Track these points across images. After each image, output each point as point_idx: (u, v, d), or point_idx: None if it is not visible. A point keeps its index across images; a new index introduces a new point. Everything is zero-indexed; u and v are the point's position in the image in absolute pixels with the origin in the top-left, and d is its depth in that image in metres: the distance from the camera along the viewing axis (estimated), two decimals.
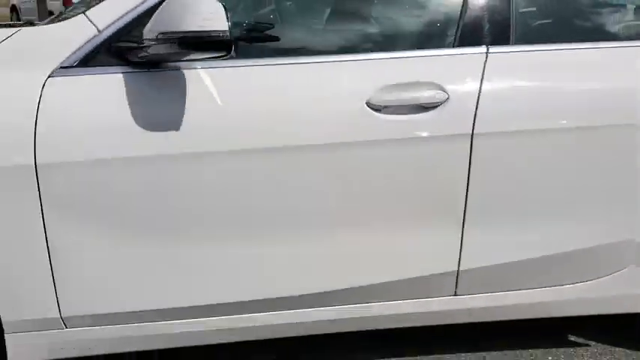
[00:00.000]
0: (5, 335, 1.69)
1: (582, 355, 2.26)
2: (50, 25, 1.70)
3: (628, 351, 2.29)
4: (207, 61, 1.65)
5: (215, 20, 1.45)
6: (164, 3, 1.53)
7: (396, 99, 1.75)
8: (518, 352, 2.26)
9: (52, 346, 1.74)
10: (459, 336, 2.30)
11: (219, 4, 1.47)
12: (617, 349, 2.31)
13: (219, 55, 1.52)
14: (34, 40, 1.66)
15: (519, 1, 1.92)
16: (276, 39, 1.79)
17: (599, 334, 2.40)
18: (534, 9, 1.99)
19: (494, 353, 2.24)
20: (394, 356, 2.19)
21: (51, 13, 12.97)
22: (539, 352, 2.27)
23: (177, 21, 1.47)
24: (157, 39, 1.52)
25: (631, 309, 2.13)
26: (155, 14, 1.54)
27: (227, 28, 1.46)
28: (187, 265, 1.72)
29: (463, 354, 2.23)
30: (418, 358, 2.19)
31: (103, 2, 1.69)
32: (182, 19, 1.47)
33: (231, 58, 1.59)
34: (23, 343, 1.71)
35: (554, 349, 2.29)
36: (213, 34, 1.45)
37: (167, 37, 1.50)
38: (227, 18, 1.46)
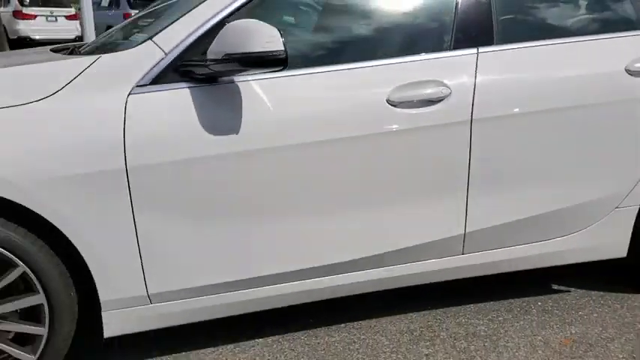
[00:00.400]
0: (102, 312, 2.02)
1: (566, 299, 2.70)
2: (124, 52, 2.01)
3: (601, 292, 2.75)
4: (258, 74, 2.01)
5: (274, 42, 1.82)
6: (224, 28, 1.89)
7: (408, 96, 2.15)
8: (511, 300, 2.69)
9: (140, 320, 2.07)
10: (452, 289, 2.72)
11: (276, 29, 1.83)
12: (593, 292, 2.77)
13: (277, 69, 1.89)
14: (113, 65, 1.98)
15: (499, 10, 2.35)
16: (312, 52, 2.15)
17: (577, 282, 2.85)
18: (511, 15, 2.41)
19: (491, 303, 2.66)
20: (407, 310, 2.59)
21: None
22: (530, 299, 2.70)
23: (242, 44, 1.83)
24: (222, 59, 1.87)
25: (602, 256, 2.59)
26: (218, 38, 1.89)
27: (284, 48, 1.83)
28: (254, 241, 2.08)
29: (454, 307, 2.65)
30: (425, 311, 2.59)
31: (167, 29, 2.03)
32: (246, 42, 1.82)
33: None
34: (117, 318, 2.04)
35: (542, 296, 2.73)
36: (275, 54, 1.82)
37: (232, 57, 1.85)
38: (282, 40, 1.83)
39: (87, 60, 1.98)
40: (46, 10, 17.29)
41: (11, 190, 1.81)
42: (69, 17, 17.60)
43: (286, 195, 2.07)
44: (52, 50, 2.68)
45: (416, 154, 2.19)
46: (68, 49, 2.68)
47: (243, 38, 1.83)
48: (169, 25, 2.04)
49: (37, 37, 16.73)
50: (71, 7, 18.25)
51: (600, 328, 2.46)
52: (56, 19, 17.47)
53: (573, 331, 2.44)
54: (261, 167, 2.02)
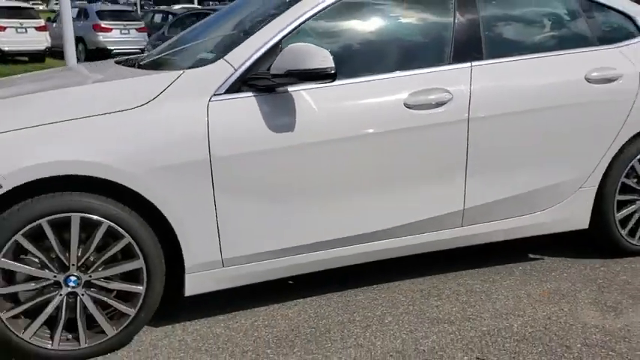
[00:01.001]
0: (185, 275, 2.54)
1: (541, 264, 3.33)
2: (203, 68, 2.53)
3: (569, 258, 3.39)
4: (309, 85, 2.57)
5: (327, 61, 2.38)
6: (286, 50, 2.45)
7: (420, 100, 2.74)
8: (497, 266, 3.30)
9: (214, 281, 2.60)
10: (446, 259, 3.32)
11: (327, 51, 2.40)
12: (562, 258, 3.40)
13: (328, 82, 2.46)
14: (195, 79, 2.50)
15: (486, 31, 2.97)
16: (346, 67, 2.71)
17: (549, 251, 3.49)
18: (496, 35, 3.03)
19: (482, 268, 3.27)
20: (416, 275, 3.17)
21: None
22: (512, 265, 3.32)
23: (301, 62, 2.39)
24: (284, 74, 2.43)
25: (569, 227, 3.23)
26: (280, 57, 2.45)
27: (334, 66, 2.40)
28: (307, 214, 2.63)
29: (452, 272, 3.24)
30: (431, 276, 3.18)
31: (234, 50, 2.57)
32: (305, 61, 2.38)
33: None
34: (196, 279, 2.56)
35: (521, 263, 3.35)
36: (327, 70, 2.38)
37: (293, 73, 2.41)
38: (332, 59, 2.40)
39: (174, 74, 2.51)
40: (16, 22, 17.51)
41: (123, 177, 2.32)
42: (39, 29, 17.88)
43: (330, 178, 2.64)
44: (116, 62, 3.20)
45: (427, 145, 2.78)
46: (131, 61, 3.19)
47: (302, 58, 2.40)
48: (236, 46, 2.59)
49: (7, 49, 17.06)
50: (40, 18, 18.54)
51: (570, 284, 3.09)
52: (26, 31, 17.72)
53: (549, 287, 3.06)
54: (312, 157, 2.58)
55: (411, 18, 2.93)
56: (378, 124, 2.68)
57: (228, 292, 2.72)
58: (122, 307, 2.46)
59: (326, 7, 2.73)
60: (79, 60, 17.31)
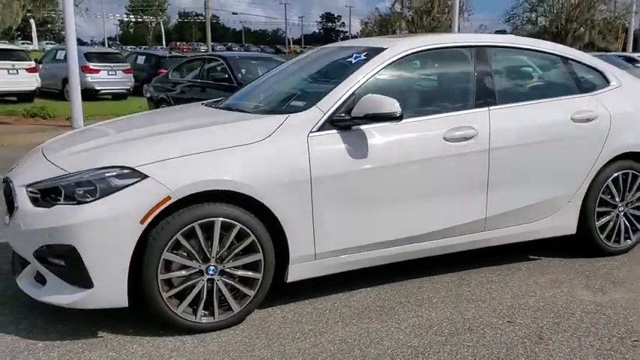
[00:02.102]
0: (289, 265, 3.39)
1: (541, 262, 4.28)
2: (302, 113, 3.42)
3: (562, 258, 4.35)
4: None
5: (395, 107, 3.32)
6: (363, 99, 3.38)
7: (454, 135, 3.70)
8: (507, 265, 4.23)
9: (309, 270, 3.46)
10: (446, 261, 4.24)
11: (395, 99, 3.34)
12: (556, 258, 4.36)
13: (396, 122, 3.39)
14: (298, 121, 3.39)
15: (497, 86, 3.96)
16: (403, 110, 3.65)
17: (546, 253, 4.44)
18: (504, 86, 4.03)
19: (495, 266, 4.19)
20: (446, 271, 4.06)
21: None
22: (518, 263, 4.25)
23: (377, 108, 3.32)
24: (363, 117, 3.36)
25: (561, 233, 4.20)
26: (359, 104, 3.38)
27: (401, 111, 3.33)
28: (376, 219, 3.52)
29: (475, 269, 4.15)
30: (458, 271, 4.08)
31: (323, 99, 3.48)
32: (379, 107, 3.32)
33: None
34: (297, 269, 3.42)
35: (525, 262, 4.28)
36: (396, 114, 3.32)
37: (370, 116, 3.34)
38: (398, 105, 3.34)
39: (282, 117, 3.41)
40: (8, 64, 18.14)
41: (251, 191, 3.19)
42: (29, 70, 18.53)
43: (393, 192, 3.55)
44: (202, 104, 4.11)
45: (459, 168, 3.73)
46: (215, 103, 4.10)
47: (378, 105, 3.34)
48: (324, 97, 3.50)
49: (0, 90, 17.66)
50: (31, 59, 19.23)
51: (565, 275, 4.04)
52: (17, 72, 18.33)
53: (550, 277, 4.00)
54: (379, 177, 3.49)
55: (446, 71, 3.91)
56: (426, 152, 3.62)
57: (304, 283, 3.56)
58: (245, 290, 3.29)
59: (382, 68, 3.69)
60: (67, 99, 18.02)
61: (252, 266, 3.30)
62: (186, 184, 3.06)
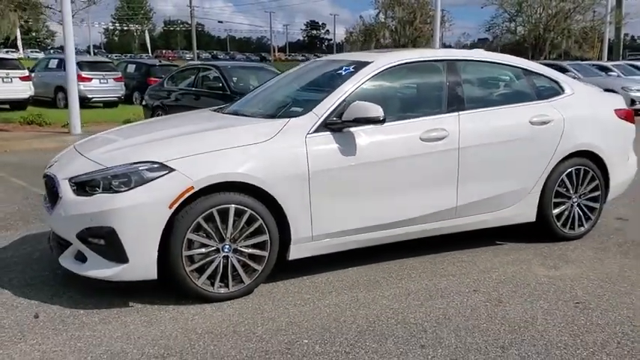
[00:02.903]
0: (291, 245, 4.02)
1: (504, 247, 4.94)
2: (301, 117, 4.06)
3: (524, 243, 5.01)
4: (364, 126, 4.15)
5: (380, 112, 3.97)
6: (352, 105, 4.03)
7: (429, 136, 4.36)
8: (476, 249, 4.89)
9: (306, 250, 4.09)
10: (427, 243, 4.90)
11: (378, 106, 3.99)
12: (520, 243, 5.03)
13: (380, 123, 4.05)
14: (297, 124, 4.02)
15: (466, 94, 4.64)
16: (387, 114, 4.29)
17: (510, 239, 5.11)
18: (471, 93, 4.71)
19: (466, 249, 4.84)
20: (426, 253, 4.71)
21: None
22: (486, 247, 4.91)
23: (365, 112, 3.97)
24: (353, 120, 4.01)
25: (523, 220, 4.88)
26: (349, 109, 4.02)
27: (384, 115, 3.99)
28: (366, 206, 4.17)
29: (446, 252, 4.81)
30: (435, 254, 4.73)
31: (318, 105, 4.13)
32: (367, 112, 3.97)
33: None
34: (297, 248, 4.04)
35: (491, 246, 4.94)
36: (380, 118, 3.97)
37: (359, 119, 4.00)
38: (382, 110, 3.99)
39: (284, 121, 4.05)
40: (3, 72, 18.60)
41: (260, 182, 3.81)
42: (23, 78, 19.02)
43: (377, 184, 4.19)
44: (210, 110, 4.75)
45: (433, 164, 4.38)
46: (220, 109, 4.74)
47: (365, 110, 3.99)
48: (318, 103, 4.15)
49: None
50: (25, 68, 19.70)
51: (525, 255, 4.71)
52: (11, 80, 18.81)
53: (512, 257, 4.67)
54: (365, 171, 4.13)
55: (423, 81, 4.59)
56: (405, 150, 4.28)
57: (303, 261, 4.18)
58: (254, 265, 3.92)
59: (368, 79, 4.35)
60: (62, 107, 18.58)
61: (260, 245, 3.92)
62: (205, 176, 3.68)
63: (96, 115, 15.92)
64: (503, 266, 4.46)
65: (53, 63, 21.86)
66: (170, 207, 3.62)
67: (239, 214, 3.80)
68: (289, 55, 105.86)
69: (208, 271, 3.79)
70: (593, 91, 5.47)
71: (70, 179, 3.81)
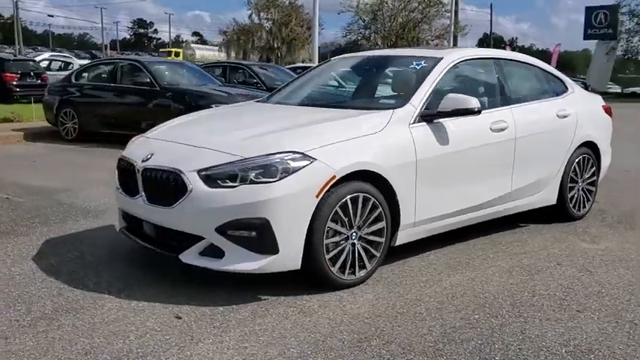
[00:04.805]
0: (398, 231, 4.21)
1: (529, 228, 5.52)
2: (402, 108, 4.24)
3: (544, 224, 5.64)
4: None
5: (477, 104, 4.31)
6: (448, 97, 4.33)
7: (496, 127, 4.79)
8: (501, 232, 5.41)
9: (410, 235, 4.30)
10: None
11: (474, 98, 4.33)
12: (540, 224, 5.64)
13: (476, 114, 4.38)
14: (401, 114, 4.21)
15: (511, 88, 5.15)
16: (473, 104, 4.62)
17: (531, 222, 5.70)
18: (516, 91, 5.23)
19: (492, 234, 5.34)
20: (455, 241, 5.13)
21: None
22: (514, 229, 5.45)
23: (462, 104, 4.29)
24: (451, 112, 4.31)
25: (548, 203, 5.51)
26: (444, 101, 4.32)
27: (480, 106, 4.33)
28: (457, 193, 4.47)
29: (472, 240, 5.29)
30: (467, 241, 5.17)
31: (414, 97, 4.36)
32: (465, 103, 4.29)
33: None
34: (403, 234, 4.24)
35: (516, 228, 5.50)
36: (477, 109, 4.31)
37: (457, 111, 4.30)
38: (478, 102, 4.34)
39: (390, 112, 4.23)
40: None
41: (381, 171, 3.97)
42: None
43: (464, 171, 4.53)
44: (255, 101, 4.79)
45: (499, 153, 4.83)
46: (264, 100, 4.81)
47: (463, 102, 4.30)
48: (412, 95, 4.38)
49: None
50: None
51: (558, 234, 5.32)
52: None
53: (550, 235, 5.25)
54: (456, 159, 4.45)
55: (481, 77, 5.02)
56: (483, 139, 4.67)
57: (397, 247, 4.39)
58: (374, 251, 4.05)
59: (445, 73, 4.67)
60: None
61: (378, 233, 4.06)
62: (346, 165, 3.76)
63: None
64: (553, 244, 5.02)
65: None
66: (317, 196, 3.64)
67: (365, 201, 3.91)
68: (122, 53, 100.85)
69: (342, 259, 3.86)
70: (584, 91, 6.30)
71: (199, 171, 3.66)
